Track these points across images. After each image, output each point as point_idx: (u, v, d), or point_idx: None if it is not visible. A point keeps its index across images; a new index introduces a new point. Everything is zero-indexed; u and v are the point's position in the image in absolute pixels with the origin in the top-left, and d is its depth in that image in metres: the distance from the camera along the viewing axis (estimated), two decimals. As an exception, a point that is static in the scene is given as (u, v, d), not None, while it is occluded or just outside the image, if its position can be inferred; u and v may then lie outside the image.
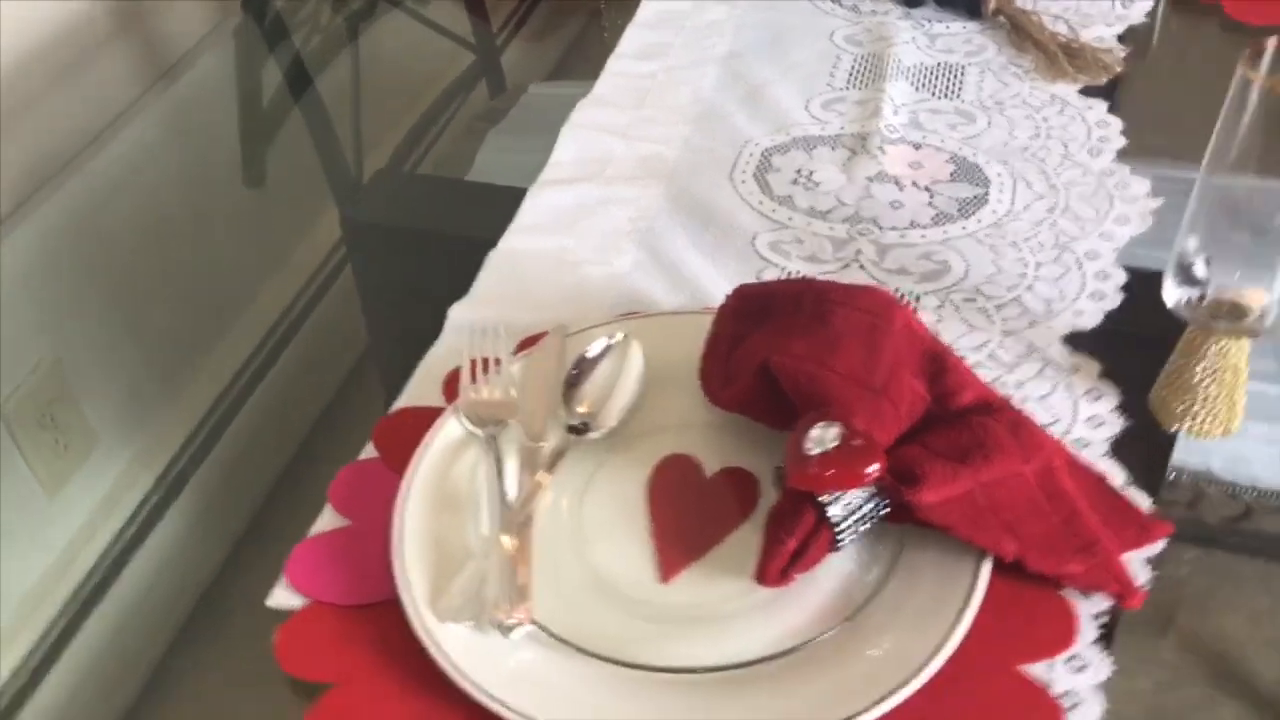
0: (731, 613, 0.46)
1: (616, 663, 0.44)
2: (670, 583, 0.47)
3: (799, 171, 0.71)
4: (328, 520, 0.51)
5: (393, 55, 0.94)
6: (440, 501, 0.50)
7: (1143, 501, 0.49)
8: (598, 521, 0.50)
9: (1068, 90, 0.76)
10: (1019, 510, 0.46)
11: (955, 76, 0.78)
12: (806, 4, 0.86)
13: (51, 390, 0.62)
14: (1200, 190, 0.50)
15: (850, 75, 0.79)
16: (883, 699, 0.42)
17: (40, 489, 0.58)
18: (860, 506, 0.46)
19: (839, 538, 0.46)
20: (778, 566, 0.45)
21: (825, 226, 0.66)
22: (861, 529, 0.46)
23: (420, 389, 0.57)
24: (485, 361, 0.55)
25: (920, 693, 0.42)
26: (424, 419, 0.53)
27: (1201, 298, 0.52)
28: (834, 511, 0.45)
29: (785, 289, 0.54)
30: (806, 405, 0.47)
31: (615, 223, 0.68)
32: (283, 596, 0.48)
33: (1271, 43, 0.48)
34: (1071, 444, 0.52)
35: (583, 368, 0.54)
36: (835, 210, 0.67)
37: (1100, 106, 0.74)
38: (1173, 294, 0.53)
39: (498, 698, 0.42)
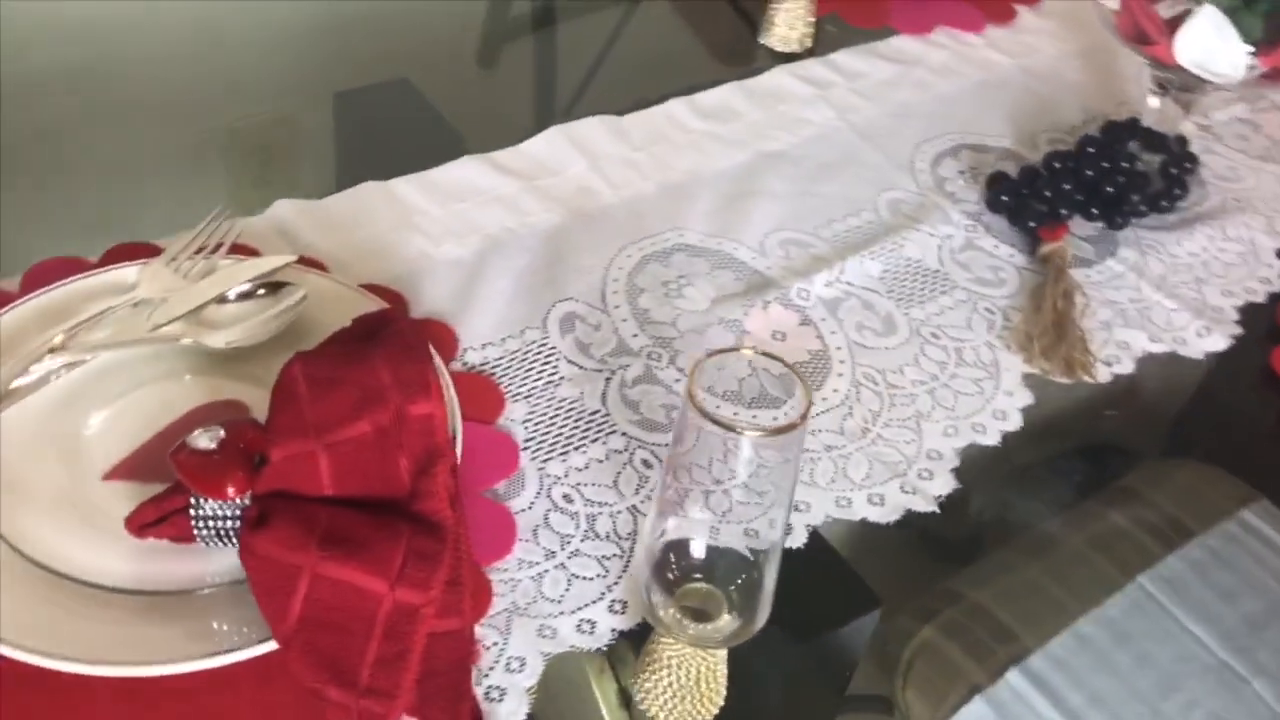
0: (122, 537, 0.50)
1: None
2: (108, 482, 0.52)
3: (682, 277, 0.68)
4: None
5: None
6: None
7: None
8: (109, 411, 0.55)
9: (1014, 362, 0.67)
10: (338, 628, 0.46)
11: (930, 287, 0.70)
12: (887, 154, 0.80)
13: None
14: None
15: (843, 231, 0.73)
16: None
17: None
18: (226, 517, 0.48)
19: (196, 532, 0.48)
20: (137, 522, 0.48)
21: (632, 330, 0.65)
22: (224, 537, 0.48)
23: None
24: (203, 247, 0.61)
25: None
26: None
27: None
28: (196, 507, 0.47)
29: (399, 324, 0.55)
30: (269, 405, 0.49)
31: (490, 217, 0.70)
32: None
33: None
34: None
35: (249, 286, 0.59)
36: (657, 327, 0.65)
37: (1023, 395, 0.65)
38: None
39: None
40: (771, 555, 0.46)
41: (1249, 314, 0.72)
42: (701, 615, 0.47)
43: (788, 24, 0.87)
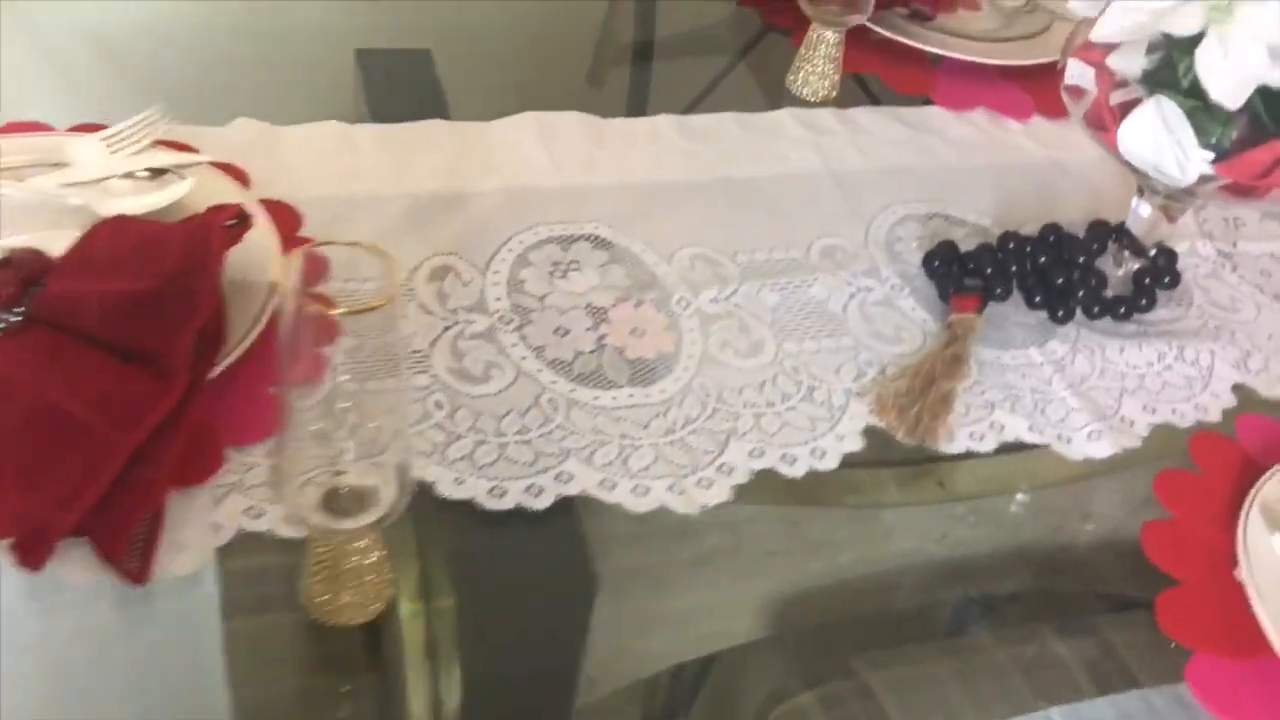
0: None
1: None
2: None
3: (575, 262, 0.70)
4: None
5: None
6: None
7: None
8: None
9: (862, 411, 0.64)
10: (40, 444, 0.50)
11: (821, 329, 0.69)
12: (851, 206, 0.79)
13: None
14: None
15: (762, 261, 0.73)
16: None
17: None
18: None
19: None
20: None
21: (497, 294, 0.67)
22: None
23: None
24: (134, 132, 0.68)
25: None
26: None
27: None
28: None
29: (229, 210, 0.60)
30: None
31: (428, 175, 0.74)
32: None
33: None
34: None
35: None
36: (523, 297, 0.67)
37: (853, 441, 0.63)
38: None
39: None
40: (397, 441, 0.47)
41: (1160, 434, 0.67)
42: (343, 509, 0.48)
43: (809, 75, 0.88)
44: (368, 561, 0.50)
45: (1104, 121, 0.68)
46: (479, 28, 0.92)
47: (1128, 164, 0.67)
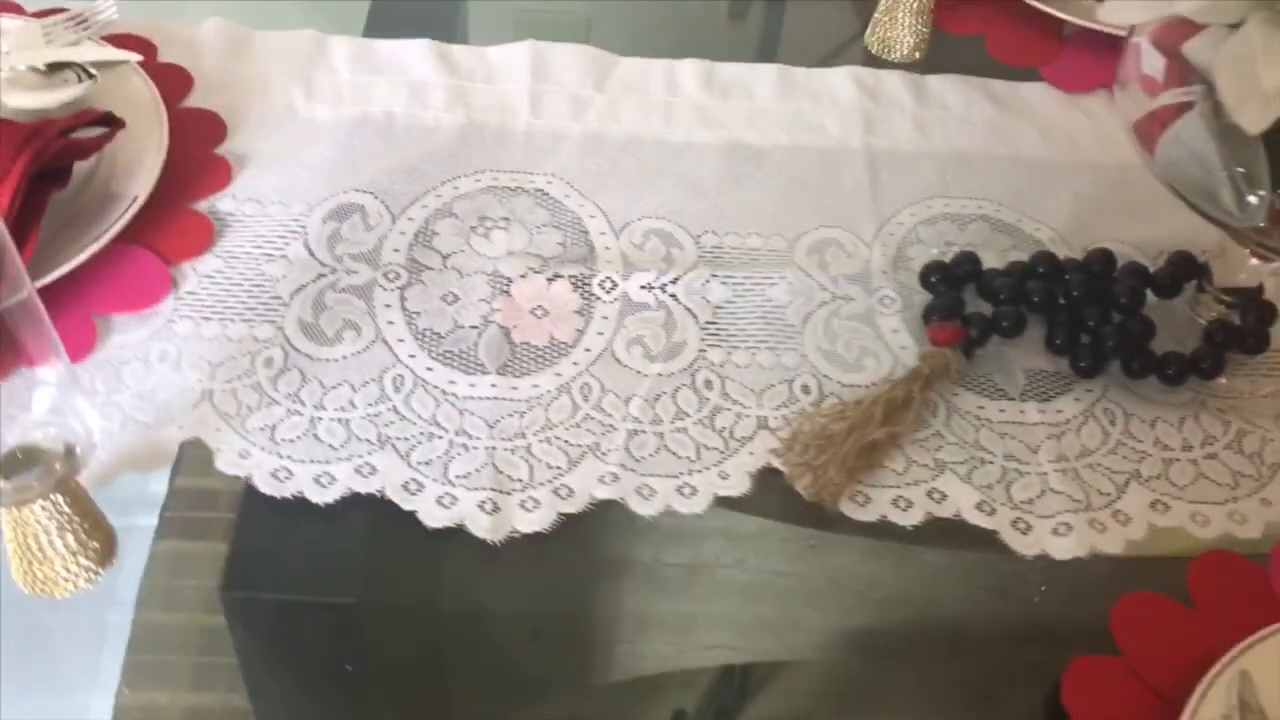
0: None
1: None
2: None
3: (506, 219, 0.61)
4: None
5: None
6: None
7: None
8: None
9: (762, 449, 0.53)
10: None
11: (763, 338, 0.57)
12: (875, 194, 0.65)
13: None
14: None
15: (730, 248, 0.61)
16: None
17: None
18: None
19: None
20: None
21: (397, 245, 0.59)
22: None
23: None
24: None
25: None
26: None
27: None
28: None
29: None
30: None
31: (387, 98, 0.67)
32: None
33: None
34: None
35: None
36: (427, 254, 0.59)
37: (739, 483, 0.51)
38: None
39: None
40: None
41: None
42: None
43: (889, 28, 0.74)
44: (56, 528, 0.44)
45: (1152, 131, 0.51)
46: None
47: (1172, 189, 0.51)
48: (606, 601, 0.50)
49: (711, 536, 0.51)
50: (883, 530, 0.51)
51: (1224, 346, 0.57)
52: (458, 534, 0.49)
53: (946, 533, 0.51)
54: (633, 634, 0.48)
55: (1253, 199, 0.48)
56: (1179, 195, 0.51)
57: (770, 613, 0.50)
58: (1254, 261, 0.56)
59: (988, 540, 0.51)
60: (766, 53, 0.77)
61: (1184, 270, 0.60)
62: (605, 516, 0.50)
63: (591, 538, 0.50)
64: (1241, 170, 0.48)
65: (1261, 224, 0.49)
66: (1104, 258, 0.59)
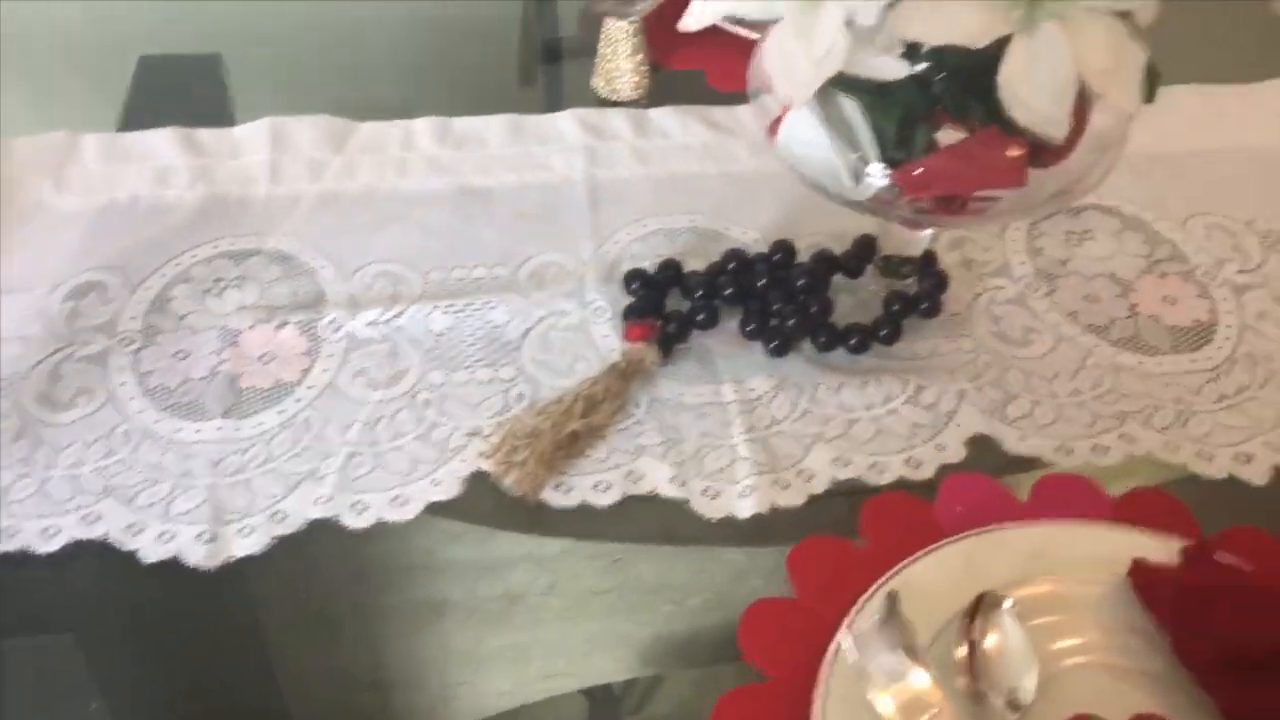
0: None
1: None
2: None
3: (240, 278, 0.65)
4: None
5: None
6: None
7: None
8: None
9: (473, 455, 0.57)
10: None
11: (481, 357, 0.62)
12: (596, 218, 0.70)
13: None
14: None
15: (456, 279, 0.66)
16: None
17: None
18: None
19: None
20: None
21: (134, 312, 0.63)
22: None
23: None
24: None
25: None
26: None
27: None
28: None
29: None
30: None
31: (132, 183, 0.70)
32: None
33: None
34: None
35: None
36: (162, 318, 0.63)
37: (450, 487, 0.55)
38: None
39: None
40: None
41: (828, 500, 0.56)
42: None
43: (611, 73, 0.80)
44: None
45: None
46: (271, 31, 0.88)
47: (798, 173, 0.57)
48: (433, 644, 0.52)
49: (518, 564, 0.54)
50: (679, 535, 0.55)
51: (900, 314, 0.63)
52: (243, 586, 0.52)
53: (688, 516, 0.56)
54: (470, 674, 0.51)
55: (867, 174, 0.54)
56: (813, 186, 0.56)
57: (597, 631, 0.53)
58: (912, 233, 0.62)
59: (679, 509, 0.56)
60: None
61: (867, 251, 0.65)
62: (409, 559, 0.54)
63: (396, 581, 0.53)
64: (855, 155, 0.54)
65: (881, 197, 0.54)
66: (784, 249, 0.65)
